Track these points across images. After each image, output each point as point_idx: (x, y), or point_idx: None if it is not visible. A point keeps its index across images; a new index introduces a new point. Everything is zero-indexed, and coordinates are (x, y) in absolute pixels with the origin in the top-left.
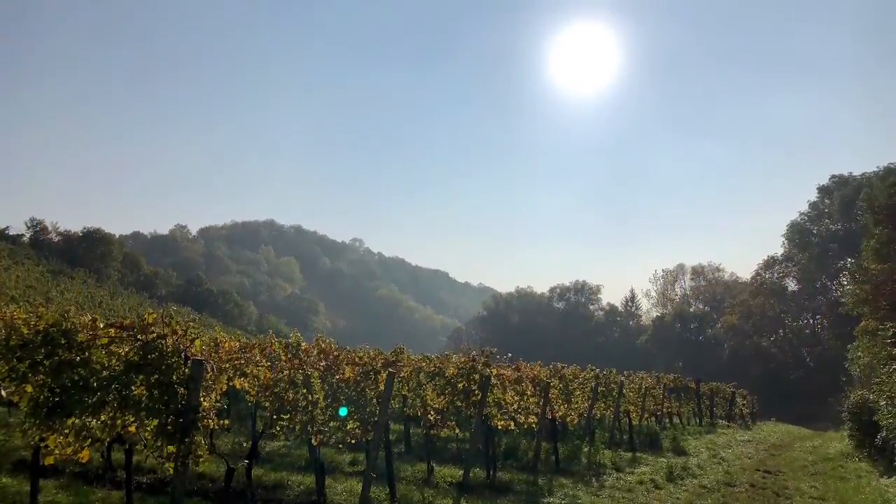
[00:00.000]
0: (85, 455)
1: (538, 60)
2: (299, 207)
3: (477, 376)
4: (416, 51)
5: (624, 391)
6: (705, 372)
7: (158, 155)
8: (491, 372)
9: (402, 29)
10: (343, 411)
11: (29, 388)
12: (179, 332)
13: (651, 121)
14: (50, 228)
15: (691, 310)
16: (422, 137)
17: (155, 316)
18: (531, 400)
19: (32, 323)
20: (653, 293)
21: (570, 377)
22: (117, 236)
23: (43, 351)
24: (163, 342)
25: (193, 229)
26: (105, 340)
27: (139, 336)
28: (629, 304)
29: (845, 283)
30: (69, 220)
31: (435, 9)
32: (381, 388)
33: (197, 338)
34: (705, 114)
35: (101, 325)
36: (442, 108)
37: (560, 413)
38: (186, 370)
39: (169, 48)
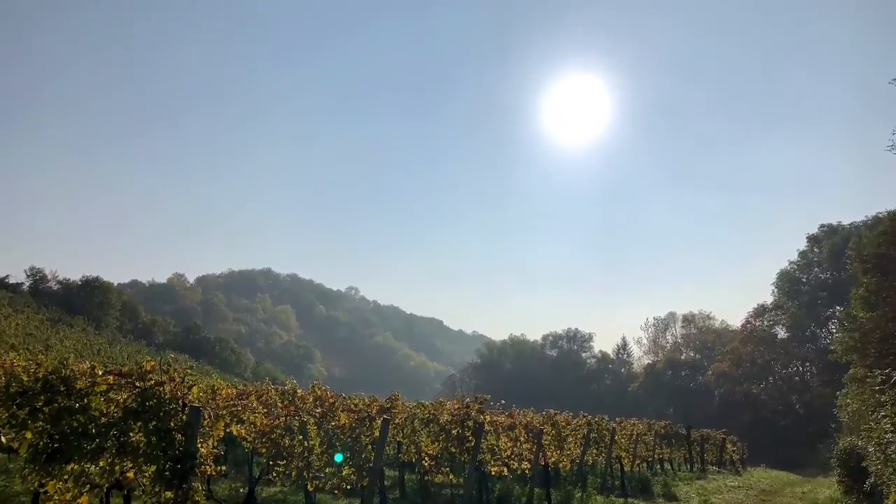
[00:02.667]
0: (84, 501)
1: (531, 111)
2: (295, 256)
3: (471, 423)
4: (411, 102)
5: (616, 437)
6: (696, 418)
7: (157, 205)
8: (485, 418)
9: (396, 81)
10: (339, 457)
11: (28, 435)
12: (177, 380)
13: (643, 170)
14: (49, 277)
15: (682, 357)
16: (416, 187)
17: (153, 363)
18: (524, 446)
19: (32, 370)
20: (644, 341)
21: (563, 424)
22: (116, 285)
23: (42, 398)
24: (161, 389)
25: (191, 278)
26: (104, 387)
27: (137, 383)
28: (621, 351)
29: (834, 330)
30: (68, 268)
31: (429, 61)
32: (377, 434)
33: (194, 385)
34: (696, 164)
35: (100, 373)
36: (436, 158)
37: (553, 459)
38: (184, 417)
39: (167, 100)
